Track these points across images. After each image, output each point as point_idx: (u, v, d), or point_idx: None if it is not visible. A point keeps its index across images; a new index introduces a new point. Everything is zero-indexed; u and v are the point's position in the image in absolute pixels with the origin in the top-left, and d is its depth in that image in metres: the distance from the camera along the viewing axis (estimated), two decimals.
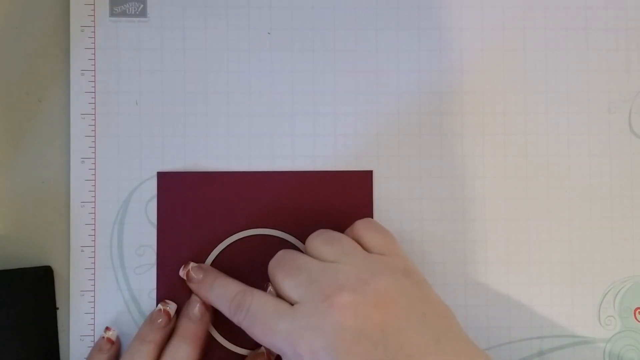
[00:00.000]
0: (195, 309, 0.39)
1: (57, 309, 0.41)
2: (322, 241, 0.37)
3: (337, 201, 0.42)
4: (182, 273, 0.40)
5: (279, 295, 0.37)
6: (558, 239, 0.43)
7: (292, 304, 0.35)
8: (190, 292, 0.41)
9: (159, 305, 0.40)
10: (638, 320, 0.43)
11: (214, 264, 0.41)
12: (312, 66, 0.43)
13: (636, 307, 0.43)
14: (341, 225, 0.41)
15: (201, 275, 0.40)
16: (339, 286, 0.34)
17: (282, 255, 0.38)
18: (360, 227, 0.38)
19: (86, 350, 0.41)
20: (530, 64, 0.43)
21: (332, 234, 0.38)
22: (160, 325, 0.39)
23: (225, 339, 0.41)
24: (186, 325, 0.39)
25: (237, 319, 0.37)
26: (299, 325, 0.34)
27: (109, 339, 0.40)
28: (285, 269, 0.37)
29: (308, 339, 0.34)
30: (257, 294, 0.37)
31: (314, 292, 0.35)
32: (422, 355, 0.33)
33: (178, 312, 0.40)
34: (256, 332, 0.36)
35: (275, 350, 0.36)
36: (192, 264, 0.40)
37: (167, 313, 0.40)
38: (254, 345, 0.41)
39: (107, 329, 0.40)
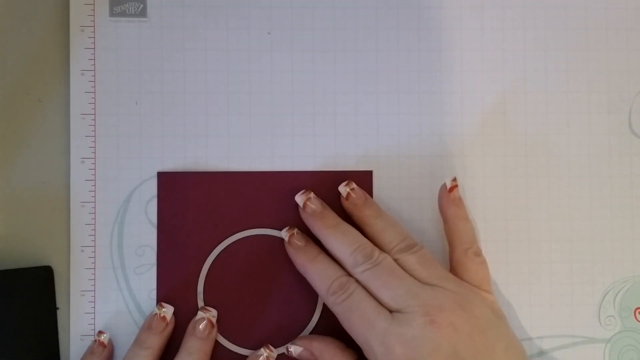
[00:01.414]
0: (201, 326, 0.39)
1: (57, 309, 0.41)
2: (418, 262, 0.38)
3: (337, 201, 0.42)
4: (285, 235, 0.41)
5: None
6: (558, 239, 0.43)
7: (388, 310, 0.37)
8: (190, 293, 0.41)
9: (155, 309, 0.40)
10: (638, 320, 0.43)
11: (214, 264, 0.41)
12: (312, 66, 0.43)
13: (636, 307, 0.43)
14: None
15: (303, 243, 0.40)
16: (439, 306, 0.36)
17: (375, 259, 0.38)
18: (462, 255, 0.40)
19: (87, 348, 0.41)
20: (530, 64, 0.43)
21: (428, 256, 0.39)
22: (158, 331, 0.39)
23: (227, 339, 0.41)
24: (193, 343, 0.39)
25: (335, 298, 0.37)
26: (397, 331, 0.35)
27: (101, 342, 0.40)
28: (383, 277, 0.37)
29: (404, 347, 0.35)
30: (359, 286, 0.38)
31: (415, 306, 0.36)
32: None
33: (175, 311, 0.40)
34: (353, 318, 0.37)
35: (361, 342, 0.37)
36: (296, 230, 0.41)
37: (164, 319, 0.40)
38: (255, 345, 0.41)
39: (99, 332, 0.41)
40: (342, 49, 0.43)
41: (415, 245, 0.39)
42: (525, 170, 0.43)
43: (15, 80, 0.42)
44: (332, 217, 0.40)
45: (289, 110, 0.43)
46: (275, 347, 0.41)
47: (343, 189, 0.41)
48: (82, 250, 0.41)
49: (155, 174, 0.42)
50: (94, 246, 0.41)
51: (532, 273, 0.43)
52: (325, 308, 0.41)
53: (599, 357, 0.43)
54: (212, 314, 0.40)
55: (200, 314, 0.40)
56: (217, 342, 0.41)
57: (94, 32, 0.42)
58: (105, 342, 0.40)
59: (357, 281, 0.38)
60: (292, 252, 0.40)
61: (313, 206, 0.40)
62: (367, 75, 0.43)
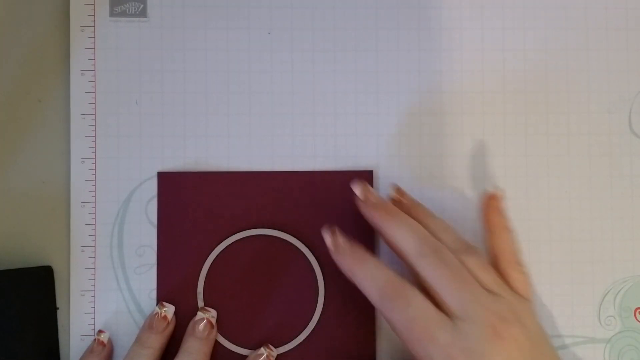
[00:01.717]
0: (200, 326, 0.39)
1: (57, 309, 0.41)
2: (478, 266, 0.37)
3: (337, 201, 0.42)
4: (328, 238, 0.39)
5: (424, 286, 0.36)
6: (558, 239, 0.43)
7: (447, 312, 0.35)
8: (190, 293, 0.41)
9: (156, 308, 0.40)
10: (638, 320, 0.43)
11: (214, 264, 0.41)
12: (312, 66, 0.43)
13: (636, 307, 0.43)
14: (341, 225, 0.41)
15: (349, 245, 0.38)
16: (503, 318, 0.35)
17: (442, 253, 0.36)
18: (507, 266, 0.38)
19: (87, 347, 0.41)
20: (530, 63, 0.43)
21: (485, 261, 0.37)
22: (159, 330, 0.39)
23: (227, 339, 0.41)
24: (192, 343, 0.39)
25: (391, 305, 0.35)
26: (462, 345, 0.34)
27: (101, 342, 0.40)
28: (450, 276, 0.36)
29: None
30: (415, 289, 0.36)
31: (479, 315, 0.34)
32: None
33: (175, 311, 0.40)
34: (414, 330, 0.35)
35: (420, 354, 0.35)
36: (338, 231, 0.39)
37: (165, 318, 0.40)
38: (255, 345, 0.41)
39: (99, 331, 0.41)
40: (342, 49, 0.43)
41: (472, 246, 0.38)
42: (526, 170, 0.43)
43: (15, 80, 0.42)
44: (392, 207, 0.39)
45: (289, 110, 0.43)
46: (275, 347, 0.41)
47: (392, 192, 0.41)
48: (82, 250, 0.41)
49: (155, 174, 0.42)
50: (94, 246, 0.41)
51: (532, 273, 0.43)
52: (325, 308, 0.41)
53: (599, 357, 0.43)
54: (212, 314, 0.40)
55: (199, 314, 0.40)
56: (217, 342, 0.41)
57: (94, 32, 0.42)
58: (105, 341, 0.40)
59: (417, 274, 0.36)
60: (337, 255, 0.38)
61: (373, 198, 0.39)
62: (367, 75, 0.43)
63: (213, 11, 0.43)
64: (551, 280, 0.43)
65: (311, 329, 0.41)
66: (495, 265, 0.39)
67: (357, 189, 0.39)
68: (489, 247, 0.40)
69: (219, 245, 0.42)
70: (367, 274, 0.37)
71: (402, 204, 0.40)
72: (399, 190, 0.41)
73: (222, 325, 0.41)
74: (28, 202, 0.42)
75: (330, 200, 0.42)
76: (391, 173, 0.43)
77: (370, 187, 0.39)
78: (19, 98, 0.42)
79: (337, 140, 0.43)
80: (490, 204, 0.40)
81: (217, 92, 0.42)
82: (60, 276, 0.41)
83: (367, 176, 0.42)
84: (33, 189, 0.42)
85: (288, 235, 0.42)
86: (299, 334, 0.41)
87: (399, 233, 0.37)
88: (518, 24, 0.44)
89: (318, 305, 0.42)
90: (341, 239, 0.38)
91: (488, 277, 0.37)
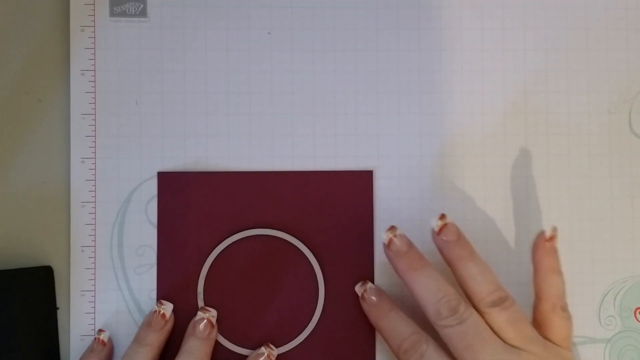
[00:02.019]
0: (201, 326, 0.39)
1: (57, 309, 0.41)
2: (507, 321, 0.36)
3: (337, 201, 0.42)
4: (358, 290, 0.41)
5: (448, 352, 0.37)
6: (558, 239, 0.43)
7: None
8: (190, 293, 0.41)
9: (155, 306, 0.40)
10: (638, 320, 0.43)
11: (214, 263, 0.41)
12: (312, 66, 0.43)
13: (636, 307, 0.43)
14: (341, 225, 0.41)
15: (376, 299, 0.40)
16: None
17: (460, 313, 0.36)
18: (550, 309, 0.38)
19: (87, 346, 0.41)
20: (530, 64, 0.43)
21: (519, 314, 0.37)
22: (157, 328, 0.39)
23: (227, 339, 0.41)
24: (193, 343, 0.39)
25: (406, 357, 0.37)
26: None
27: (101, 341, 0.40)
28: (468, 339, 0.35)
29: None
30: (432, 343, 0.37)
31: None
32: None
33: (175, 311, 0.41)
34: None
35: None
36: (370, 285, 0.40)
37: (163, 316, 0.40)
38: (255, 345, 0.41)
39: (100, 330, 0.41)
40: (342, 49, 0.43)
41: (507, 299, 0.37)
42: (526, 170, 0.43)
43: (15, 80, 0.42)
44: (418, 259, 0.38)
45: (289, 110, 0.43)
46: (275, 347, 0.41)
47: (435, 223, 0.38)
48: (82, 250, 0.41)
49: (155, 174, 0.42)
50: (94, 246, 0.41)
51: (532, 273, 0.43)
52: (325, 308, 0.41)
53: (599, 357, 0.43)
54: (212, 314, 0.40)
55: (200, 314, 0.40)
56: (217, 342, 0.41)
57: (94, 32, 0.42)
58: (105, 340, 0.40)
59: (439, 332, 0.36)
60: (365, 307, 0.40)
61: (399, 244, 0.38)
62: (367, 75, 0.43)
63: (213, 11, 0.43)
64: None
65: (311, 329, 0.41)
66: (536, 307, 0.39)
67: (384, 234, 0.38)
68: (535, 287, 0.39)
69: (219, 245, 0.42)
70: (389, 328, 0.38)
71: (445, 238, 0.38)
72: (445, 221, 0.38)
73: (222, 325, 0.41)
74: (28, 202, 0.42)
75: (330, 200, 0.42)
76: (391, 173, 0.43)
77: (399, 233, 0.38)
78: (19, 98, 0.42)
79: (337, 140, 0.43)
80: (543, 245, 0.39)
81: (217, 92, 0.42)
82: (60, 276, 0.41)
83: (367, 176, 0.42)
84: (33, 189, 0.42)
85: (288, 235, 0.42)
86: (299, 334, 0.41)
87: (419, 289, 0.37)
88: (518, 24, 0.44)
89: (318, 305, 0.42)
90: (370, 291, 0.40)
91: (515, 332, 0.36)
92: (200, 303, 0.41)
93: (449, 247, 0.38)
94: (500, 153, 0.43)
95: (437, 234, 0.38)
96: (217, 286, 0.41)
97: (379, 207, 0.42)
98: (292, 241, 0.42)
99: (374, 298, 0.40)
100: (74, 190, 0.42)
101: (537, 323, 0.39)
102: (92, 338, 0.41)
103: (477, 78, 0.43)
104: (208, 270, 0.42)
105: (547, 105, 0.43)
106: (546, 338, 0.38)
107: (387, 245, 0.38)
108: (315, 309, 0.42)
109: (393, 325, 0.38)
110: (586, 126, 0.43)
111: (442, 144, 0.43)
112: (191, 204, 0.42)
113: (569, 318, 0.38)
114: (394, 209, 0.42)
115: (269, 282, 0.42)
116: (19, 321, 0.39)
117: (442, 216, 0.38)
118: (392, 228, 0.38)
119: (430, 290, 0.36)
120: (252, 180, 0.42)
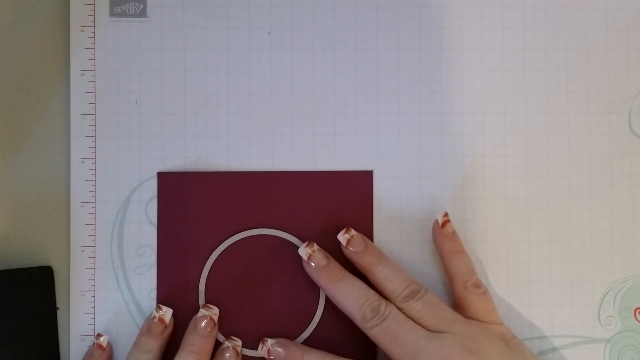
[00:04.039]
0: (203, 323, 0.39)
1: (57, 309, 0.41)
2: (423, 309, 0.38)
3: (337, 201, 0.42)
4: (303, 252, 0.40)
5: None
6: (558, 239, 0.43)
7: None
8: (190, 293, 0.41)
9: (154, 312, 0.40)
10: (638, 320, 0.43)
11: (214, 264, 0.41)
12: (312, 66, 0.43)
13: (636, 307, 0.43)
14: (341, 225, 0.41)
15: (325, 262, 0.39)
16: (447, 355, 0.36)
17: (381, 312, 0.38)
18: (463, 289, 0.40)
19: (86, 351, 0.41)
20: (530, 64, 0.43)
21: (433, 300, 0.38)
22: (157, 334, 0.39)
23: (227, 338, 0.41)
24: (193, 340, 0.39)
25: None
26: None
27: (99, 345, 0.40)
28: (392, 333, 0.37)
29: None
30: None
31: None
32: None
33: (175, 311, 0.40)
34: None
35: None
36: (316, 246, 0.40)
37: (163, 321, 0.40)
38: (254, 344, 0.41)
39: (98, 335, 0.41)
40: (342, 49, 0.43)
41: (420, 290, 0.39)
42: (525, 170, 0.43)
43: (15, 80, 0.42)
44: (337, 271, 0.39)
45: (289, 110, 0.43)
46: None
47: (342, 237, 0.40)
48: (82, 250, 0.41)
49: (155, 174, 0.42)
50: (94, 246, 0.41)
51: (532, 273, 0.43)
52: (326, 308, 0.41)
53: (599, 357, 0.43)
54: (214, 311, 0.40)
55: (202, 311, 0.40)
56: (217, 342, 0.41)
57: (94, 32, 0.42)
58: (104, 344, 0.40)
59: (368, 335, 0.38)
60: (313, 272, 0.40)
61: (317, 260, 0.39)
62: (367, 75, 0.43)
63: (213, 11, 0.43)
64: (551, 280, 0.43)
65: (312, 329, 0.41)
66: (452, 290, 0.40)
67: (302, 251, 0.40)
68: (445, 272, 0.41)
69: (219, 246, 0.42)
70: (345, 294, 0.39)
71: (353, 249, 0.40)
72: (351, 234, 0.40)
73: (223, 325, 0.41)
74: (28, 202, 0.42)
75: (330, 200, 0.42)
76: (391, 173, 0.43)
77: (316, 248, 0.40)
78: (19, 98, 0.42)
79: (337, 141, 0.43)
80: (440, 232, 0.41)
81: (217, 92, 0.42)
82: (60, 276, 0.41)
83: (367, 176, 0.42)
84: (33, 189, 0.42)
85: (288, 235, 0.42)
86: (300, 334, 0.41)
87: (342, 300, 0.39)
88: (518, 24, 0.44)
89: (319, 305, 0.42)
90: (317, 254, 0.40)
91: (434, 316, 0.38)
92: (202, 302, 0.41)
93: (358, 256, 0.40)
94: (500, 153, 0.43)
95: (345, 246, 0.40)
96: (218, 286, 0.41)
97: (378, 207, 0.42)
98: (292, 241, 0.42)
99: (322, 262, 0.39)
100: (73, 190, 0.42)
101: (457, 305, 0.40)
102: (92, 338, 0.41)
103: (477, 78, 0.43)
104: (209, 270, 0.41)
105: (547, 105, 0.43)
106: (470, 317, 0.39)
107: (307, 261, 0.40)
108: (316, 309, 0.42)
109: (349, 289, 0.39)
110: (586, 126, 0.43)
111: (442, 144, 0.43)
112: (191, 204, 0.42)
113: (484, 293, 0.40)
114: (394, 209, 0.42)
115: (269, 282, 0.42)
116: (19, 321, 0.39)
117: (348, 229, 0.40)
118: (310, 243, 0.40)
119: (353, 298, 0.38)
120: (252, 180, 0.42)
